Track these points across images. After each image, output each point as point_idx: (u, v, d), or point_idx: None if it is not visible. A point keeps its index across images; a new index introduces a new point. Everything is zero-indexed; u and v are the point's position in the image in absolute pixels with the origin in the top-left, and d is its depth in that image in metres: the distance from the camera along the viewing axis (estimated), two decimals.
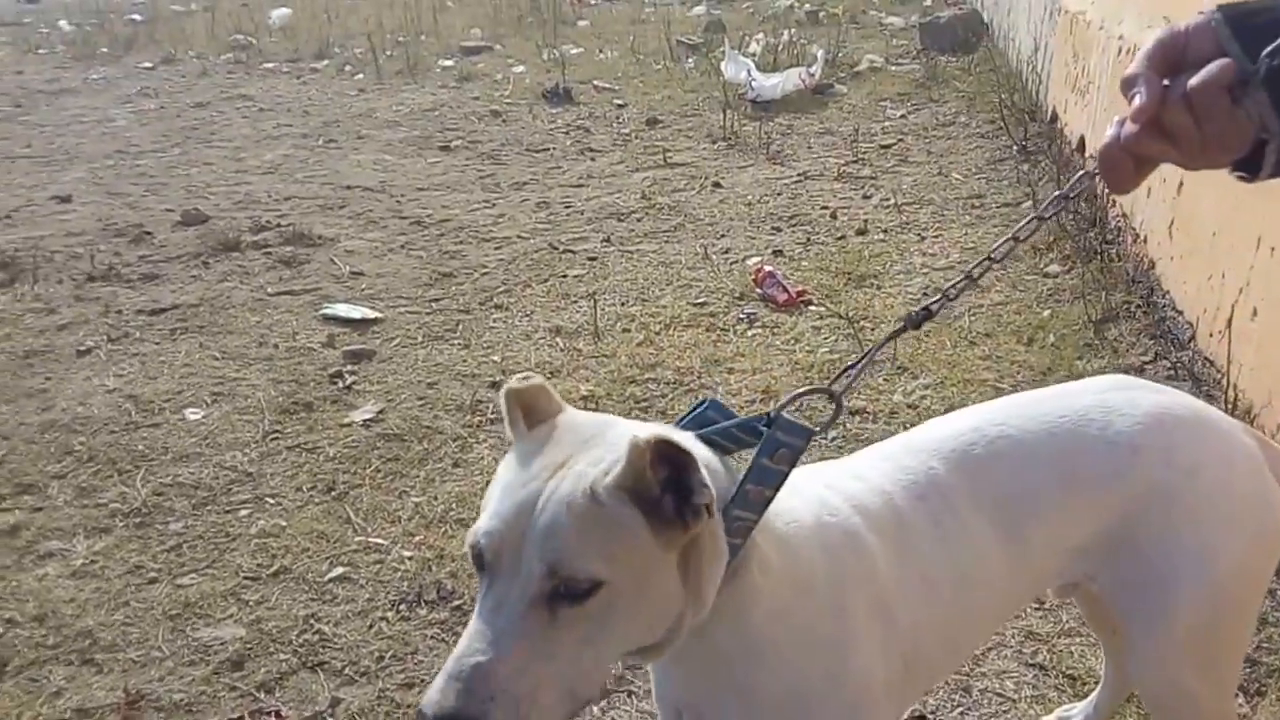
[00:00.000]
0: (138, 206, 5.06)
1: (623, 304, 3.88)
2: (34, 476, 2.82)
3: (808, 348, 3.48)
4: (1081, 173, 1.13)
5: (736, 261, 4.22)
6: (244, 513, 2.65)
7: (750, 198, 5.02)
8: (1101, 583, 1.42)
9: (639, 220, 4.78)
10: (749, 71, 6.80)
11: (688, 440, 1.06)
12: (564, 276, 4.16)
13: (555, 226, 4.74)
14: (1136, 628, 1.43)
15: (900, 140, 5.78)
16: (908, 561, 1.26)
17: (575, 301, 3.90)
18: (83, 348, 3.59)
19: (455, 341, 3.62)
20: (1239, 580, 1.38)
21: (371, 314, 3.82)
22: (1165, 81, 0.88)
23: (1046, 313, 3.58)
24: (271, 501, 2.69)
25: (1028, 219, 1.29)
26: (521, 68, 8.29)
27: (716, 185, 5.22)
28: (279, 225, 4.70)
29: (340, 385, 3.31)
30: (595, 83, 7.56)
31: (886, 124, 6.19)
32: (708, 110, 6.66)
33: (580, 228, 4.70)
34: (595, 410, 2.87)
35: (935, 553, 1.29)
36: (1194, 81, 0.84)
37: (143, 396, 3.24)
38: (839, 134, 6.03)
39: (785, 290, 3.87)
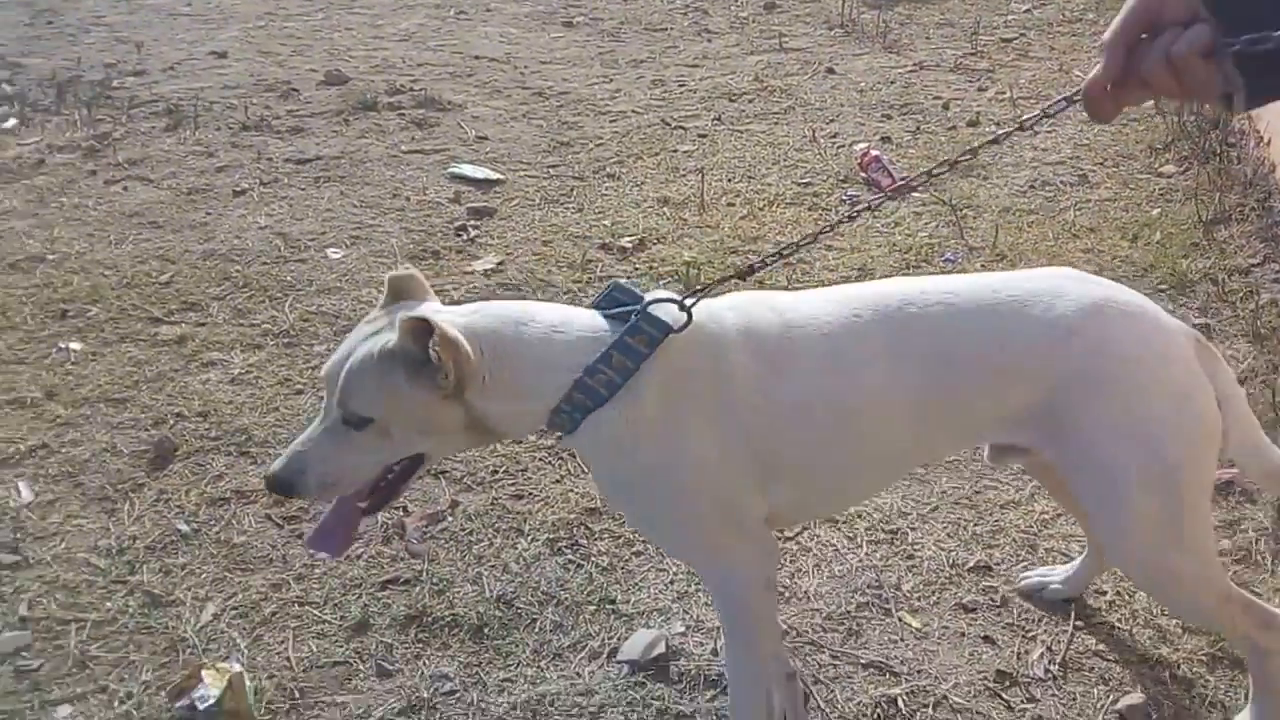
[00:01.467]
0: (285, 65, 5.36)
1: (729, 180, 4.03)
2: (198, 296, 3.18)
3: (907, 232, 3.60)
4: (1063, 97, 1.30)
5: (843, 146, 4.30)
6: None
7: (863, 85, 5.05)
8: (1051, 457, 1.55)
9: (750, 102, 4.88)
10: None
11: (441, 317, 1.40)
12: (674, 151, 4.32)
13: (669, 104, 4.87)
14: (1095, 513, 1.58)
15: (1022, 35, 5.68)
16: (783, 384, 1.49)
17: (684, 175, 4.07)
18: (238, 189, 3.93)
19: (569, 205, 3.85)
20: (1181, 465, 1.47)
21: (494, 175, 4.07)
22: (1144, 35, 1.01)
23: (1156, 211, 3.62)
24: None
25: (1034, 115, 1.50)
26: None
27: (830, 71, 5.25)
28: (412, 89, 4.94)
29: (464, 237, 3.59)
30: None
31: (1010, 18, 6.05)
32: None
33: (693, 106, 4.83)
34: (696, 274, 3.14)
35: (822, 384, 1.49)
36: (1178, 47, 0.98)
37: (290, 234, 3.57)
38: (959, 26, 5.93)
39: (890, 175, 3.95)
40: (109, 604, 2.06)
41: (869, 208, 1.70)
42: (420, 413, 1.42)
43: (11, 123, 4.53)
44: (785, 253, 1.62)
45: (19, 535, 2.22)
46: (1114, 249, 3.40)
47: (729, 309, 1.54)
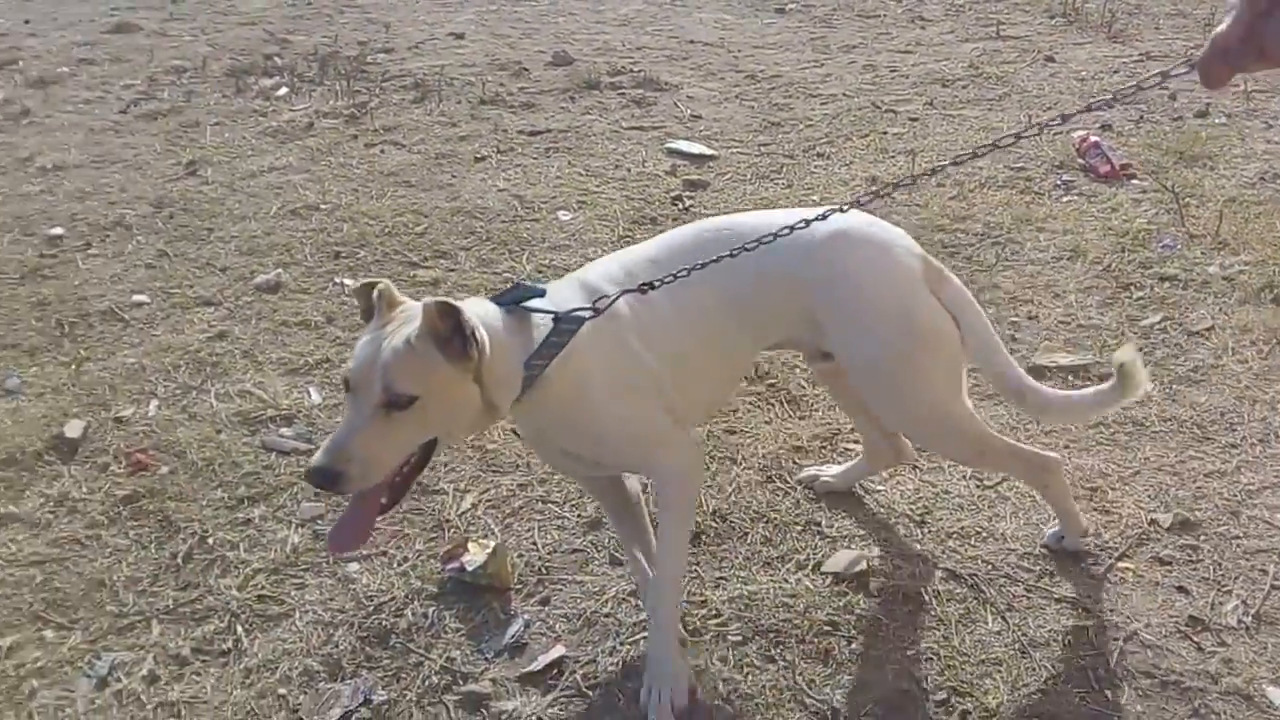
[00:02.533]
0: (516, 46, 5.79)
1: (940, 161, 4.11)
2: (447, 246, 3.57)
3: (1124, 217, 3.60)
4: (1181, 62, 1.39)
5: (1060, 133, 4.29)
6: None
7: (1083, 74, 5.01)
8: (825, 347, 1.92)
9: (964, 88, 4.92)
10: None
11: (462, 303, 1.59)
12: (884, 133, 4.44)
13: (879, 88, 4.99)
14: (857, 385, 1.96)
15: None
16: (656, 311, 1.81)
17: (893, 156, 4.19)
18: (478, 155, 4.32)
19: (779, 181, 4.04)
20: (908, 353, 1.85)
21: (708, 151, 4.30)
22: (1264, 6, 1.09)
23: None
24: None
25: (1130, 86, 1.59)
26: None
27: (1049, 60, 5.22)
28: (631, 71, 5.26)
29: (680, 207, 3.83)
30: None
31: None
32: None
33: (904, 91, 4.92)
34: None
35: (677, 321, 1.83)
36: None
37: (525, 197, 3.92)
38: (1193, 17, 5.77)
39: (1109, 162, 3.94)
40: None
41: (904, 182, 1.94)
42: (452, 388, 1.59)
43: (284, 91, 5.13)
44: (881, 193, 1.93)
45: (311, 429, 2.62)
46: None
47: (593, 276, 1.85)
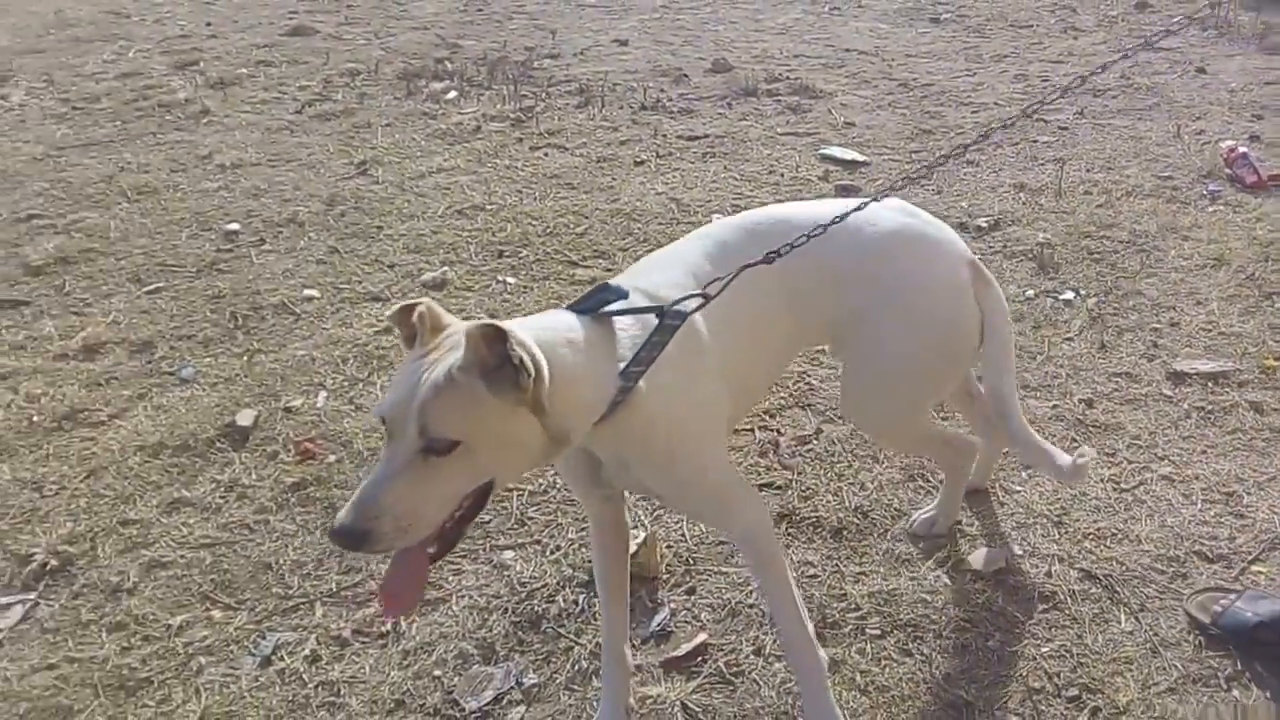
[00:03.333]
0: (677, 54, 5.96)
1: (1088, 170, 4.13)
2: (606, 246, 3.71)
3: (1270, 227, 3.57)
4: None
5: (1208, 143, 4.26)
6: None
7: (1234, 85, 4.91)
8: (839, 348, 1.89)
9: (1114, 98, 4.91)
10: None
11: (509, 325, 1.36)
12: (1034, 141, 4.45)
13: (1030, 97, 4.98)
14: (848, 376, 1.91)
15: None
16: (723, 325, 1.67)
17: (1042, 164, 4.21)
18: (638, 159, 4.49)
19: (929, 187, 4.07)
20: (922, 355, 1.84)
21: (860, 157, 4.39)
22: None
23: None
24: None
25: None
26: None
27: (1200, 71, 5.14)
28: (787, 78, 5.37)
29: None
30: None
31: None
32: None
33: (1055, 100, 4.96)
34: (1050, 253, 3.35)
35: (738, 314, 1.70)
36: None
37: (682, 200, 4.06)
38: None
39: (1256, 172, 3.91)
40: (541, 480, 2.50)
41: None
42: (503, 425, 1.37)
43: (453, 94, 5.36)
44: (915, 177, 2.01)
45: None
46: None
47: (668, 286, 1.68)
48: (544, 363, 1.39)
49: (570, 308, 1.58)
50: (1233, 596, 2.02)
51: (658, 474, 1.63)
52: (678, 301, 1.59)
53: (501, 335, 1.35)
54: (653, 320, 1.56)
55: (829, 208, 1.84)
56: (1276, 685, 1.89)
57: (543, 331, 1.46)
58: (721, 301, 1.64)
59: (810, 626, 1.78)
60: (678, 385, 1.59)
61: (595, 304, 1.57)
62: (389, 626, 2.09)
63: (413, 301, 1.45)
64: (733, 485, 1.75)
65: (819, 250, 1.74)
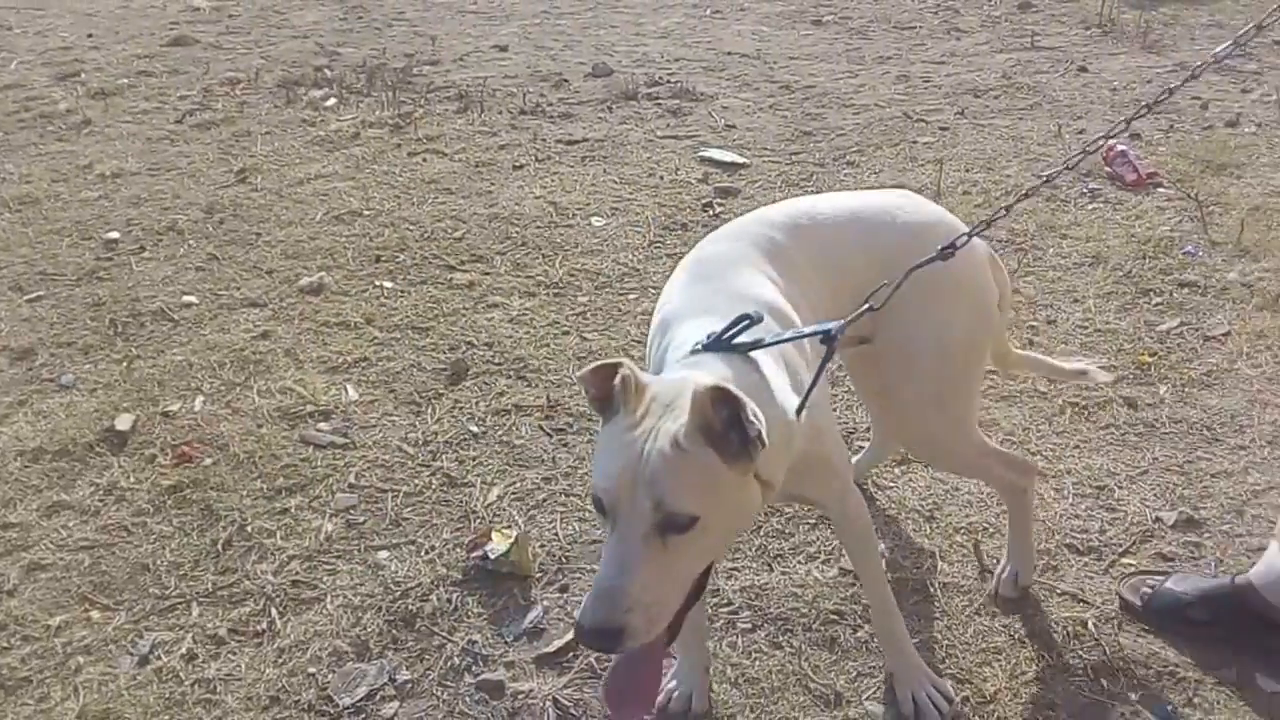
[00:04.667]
0: (558, 58, 5.92)
1: (967, 170, 4.18)
2: (484, 251, 3.69)
3: (1148, 225, 3.63)
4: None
5: (1090, 142, 4.33)
6: (632, 296, 3.35)
7: (1116, 84, 5.03)
8: (878, 341, 1.82)
9: (995, 98, 4.97)
10: None
11: (736, 389, 1.26)
12: (914, 143, 4.50)
13: (911, 98, 5.05)
14: (892, 381, 1.87)
15: None
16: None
17: (922, 165, 4.25)
18: (517, 164, 4.45)
19: (809, 188, 4.11)
20: (962, 348, 1.82)
21: (740, 160, 4.39)
22: None
23: None
24: (653, 290, 3.36)
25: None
26: None
27: (1082, 70, 5.25)
28: (668, 81, 5.37)
29: (710, 213, 3.93)
30: None
31: None
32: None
33: (935, 101, 4.98)
34: None
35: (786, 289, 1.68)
36: None
37: (560, 204, 4.03)
38: (1229, 28, 5.74)
39: (1135, 170, 3.97)
40: (417, 481, 2.53)
41: None
42: (736, 495, 1.29)
43: (332, 101, 5.30)
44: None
45: (348, 424, 2.75)
46: None
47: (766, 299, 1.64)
48: (766, 428, 1.26)
49: (710, 345, 1.45)
50: (1160, 578, 2.05)
51: (820, 485, 1.65)
52: (846, 325, 1.51)
53: (733, 400, 1.24)
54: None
55: (854, 198, 1.88)
56: (1209, 662, 1.93)
57: (748, 387, 1.33)
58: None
59: (892, 602, 1.86)
60: (817, 401, 1.52)
61: (730, 342, 1.44)
62: (264, 626, 2.13)
63: (612, 362, 1.32)
64: (849, 466, 1.78)
65: (866, 241, 1.77)
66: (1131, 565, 2.17)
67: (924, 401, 1.84)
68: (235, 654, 2.07)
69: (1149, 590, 2.03)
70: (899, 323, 1.76)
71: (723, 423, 1.25)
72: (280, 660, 2.05)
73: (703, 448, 1.25)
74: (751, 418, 1.23)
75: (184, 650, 2.08)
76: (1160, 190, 3.89)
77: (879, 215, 1.83)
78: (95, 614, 2.18)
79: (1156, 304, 3.15)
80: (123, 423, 2.76)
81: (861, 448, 2.52)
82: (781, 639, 2.03)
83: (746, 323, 1.44)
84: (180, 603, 2.20)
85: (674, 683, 1.91)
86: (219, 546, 2.34)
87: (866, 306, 1.57)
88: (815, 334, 1.50)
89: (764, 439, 1.24)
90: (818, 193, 4.11)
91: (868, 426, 2.56)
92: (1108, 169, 4.04)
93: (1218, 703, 1.85)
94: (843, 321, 1.52)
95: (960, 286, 1.80)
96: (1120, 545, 2.22)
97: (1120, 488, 2.40)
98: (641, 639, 1.23)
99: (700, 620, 1.92)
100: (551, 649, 2.04)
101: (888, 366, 1.87)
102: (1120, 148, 4.07)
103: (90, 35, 6.79)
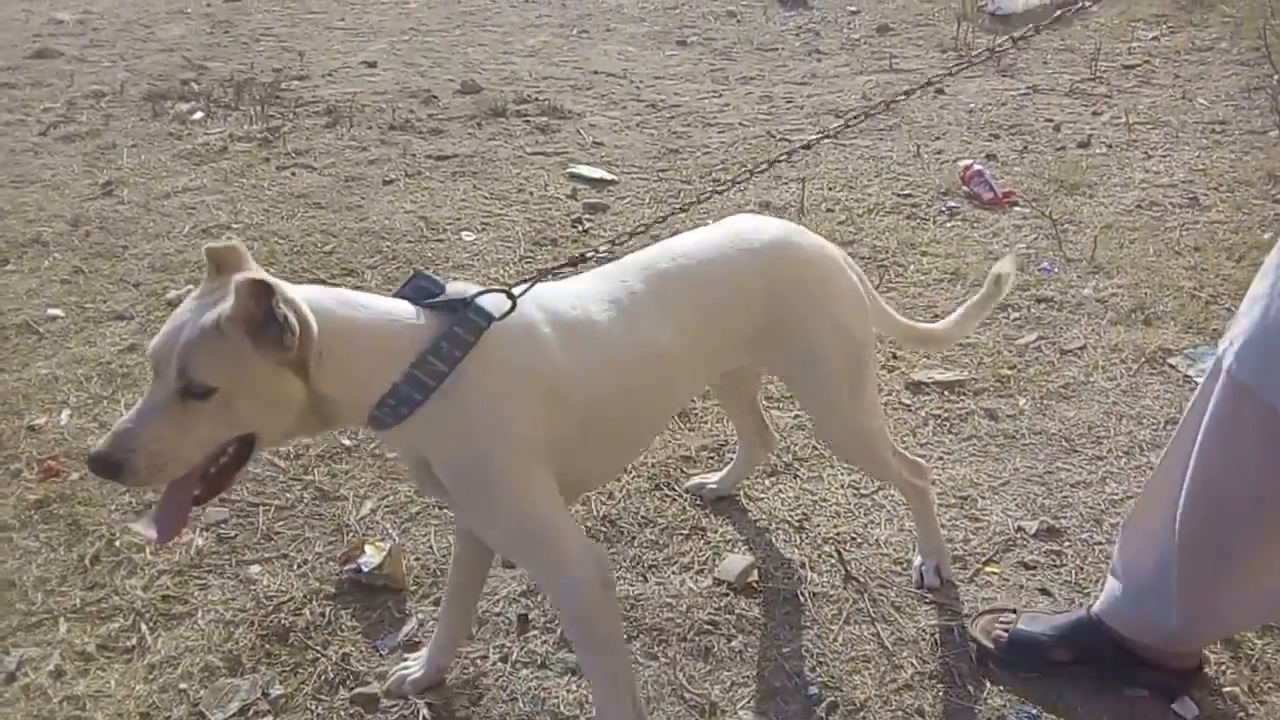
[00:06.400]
0: (426, 75, 5.92)
1: (830, 189, 4.28)
2: (355, 264, 3.68)
3: (1005, 242, 3.76)
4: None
5: (947, 162, 4.47)
6: None
7: (972, 105, 5.21)
8: (768, 365, 1.98)
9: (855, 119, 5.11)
10: None
11: (278, 282, 1.37)
12: (778, 161, 4.58)
13: (775, 118, 5.19)
14: (808, 396, 2.00)
15: (1146, 62, 5.70)
16: (591, 350, 1.62)
17: (786, 183, 4.35)
18: (387, 179, 4.43)
19: (675, 205, 4.13)
20: (862, 340, 1.92)
21: (608, 176, 4.46)
22: None
23: (1268, 235, 3.59)
24: None
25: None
26: None
27: (939, 92, 5.40)
28: (537, 99, 5.42)
29: (580, 229, 3.96)
30: None
31: (1134, 45, 6.06)
32: (943, 21, 6.78)
33: (798, 120, 5.12)
34: None
35: (622, 341, 1.66)
36: None
37: (431, 219, 4.03)
38: (1080, 52, 5.94)
39: (992, 190, 4.10)
40: (288, 494, 2.52)
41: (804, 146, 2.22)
42: (263, 380, 1.39)
43: (199, 115, 5.20)
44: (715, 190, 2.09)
45: None
46: (1217, 267, 3.45)
47: (528, 300, 1.61)
48: (313, 325, 1.39)
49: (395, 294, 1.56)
50: (1009, 616, 2.04)
51: (460, 499, 1.58)
52: (479, 294, 1.54)
53: (269, 290, 1.34)
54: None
55: (699, 235, 1.86)
56: (1085, 705, 1.92)
57: (324, 298, 1.46)
58: (606, 331, 1.63)
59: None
60: (490, 403, 1.52)
61: (412, 293, 1.55)
62: (134, 641, 2.08)
63: (223, 243, 1.46)
64: (555, 528, 1.60)
65: (722, 273, 1.76)
66: (995, 574, 2.22)
67: (841, 396, 1.93)
68: (104, 670, 2.03)
69: (1002, 633, 2.00)
70: (792, 335, 1.85)
71: (265, 313, 1.35)
72: (151, 676, 2.01)
73: (238, 331, 1.35)
74: (279, 303, 1.34)
75: (52, 667, 2.03)
76: (1016, 209, 4.01)
77: (735, 243, 1.83)
78: None
79: (1015, 319, 3.25)
80: None
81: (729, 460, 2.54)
82: (656, 649, 2.04)
83: (420, 281, 1.56)
84: (47, 619, 2.16)
85: (413, 665, 1.97)
86: (87, 562, 2.30)
87: (502, 288, 1.58)
88: (499, 291, 1.56)
89: (293, 325, 1.35)
90: (684, 211, 4.14)
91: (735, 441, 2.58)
92: (965, 189, 4.17)
93: (1078, 705, 1.90)
94: (473, 294, 1.55)
95: (830, 281, 1.88)
96: (984, 554, 2.27)
97: (983, 498, 2.45)
98: (141, 480, 1.39)
99: (464, 628, 1.98)
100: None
101: (799, 378, 1.97)
102: (977, 168, 4.21)
103: None
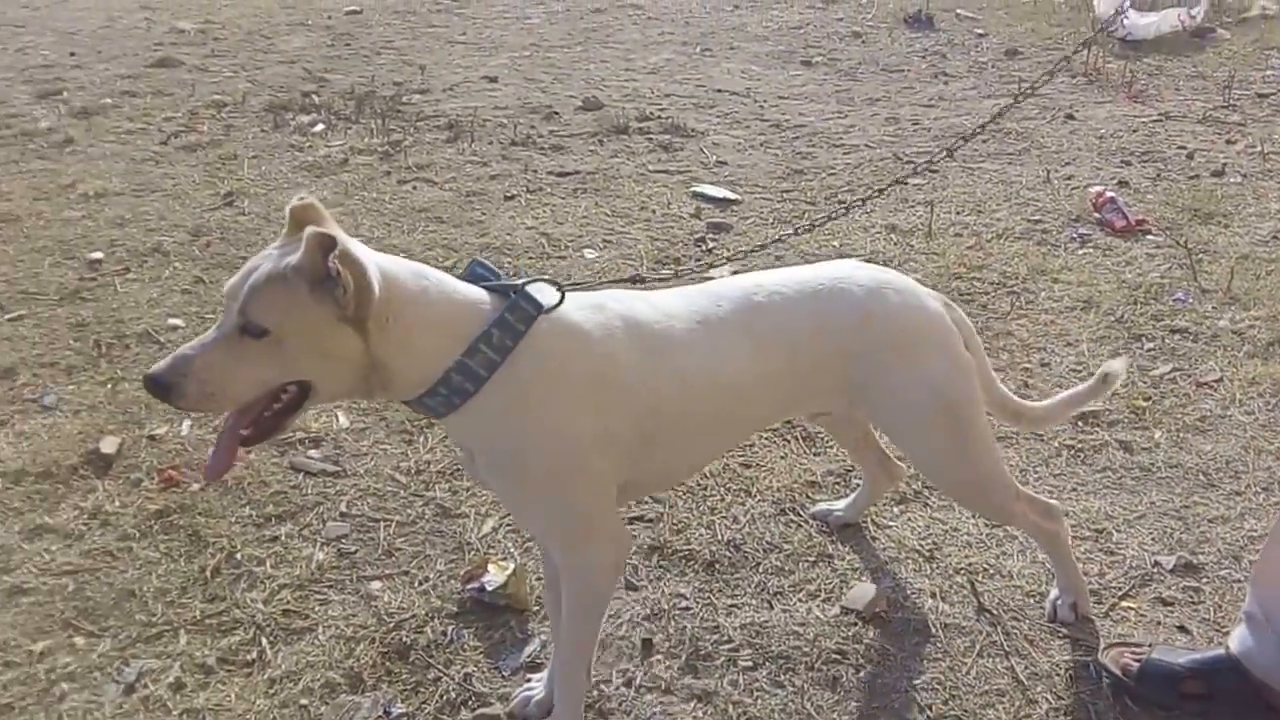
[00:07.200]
0: (548, 91, 5.93)
1: (958, 213, 4.20)
2: None
3: (1138, 271, 3.66)
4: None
5: (1078, 188, 4.38)
6: None
7: (1103, 131, 5.09)
8: (862, 414, 2.01)
9: (984, 142, 5.01)
10: (1123, 6, 6.60)
11: (346, 239, 1.43)
12: (904, 184, 4.51)
13: (901, 140, 5.09)
14: (908, 450, 2.00)
15: None
16: (662, 360, 1.64)
17: (913, 206, 4.27)
18: (508, 194, 4.43)
19: (800, 226, 4.11)
20: (958, 399, 1.85)
21: (732, 196, 4.40)
22: None
23: None
24: None
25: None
26: None
27: (1069, 117, 5.31)
28: (659, 117, 5.39)
29: (702, 248, 3.93)
30: (958, 11, 7.65)
31: (1269, 73, 5.93)
32: (1071, 46, 6.61)
33: (925, 143, 5.02)
34: None
35: (698, 360, 1.67)
36: None
37: (553, 235, 4.02)
38: (1212, 79, 5.86)
39: (1124, 216, 4.01)
40: (410, 510, 2.49)
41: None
42: (317, 330, 1.43)
43: (320, 127, 5.27)
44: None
45: (339, 451, 2.70)
46: None
47: (610, 299, 1.67)
48: (374, 288, 1.43)
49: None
50: (1146, 648, 1.99)
51: (497, 484, 1.64)
52: (528, 282, 1.57)
53: (332, 244, 1.39)
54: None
55: (799, 273, 1.85)
56: None
57: (399, 268, 1.52)
58: (679, 346, 1.65)
59: (582, 687, 1.82)
60: (536, 398, 1.55)
61: (470, 276, 1.62)
62: (254, 655, 2.08)
63: (302, 200, 1.52)
64: (587, 521, 1.67)
65: (811, 314, 1.76)
66: (1131, 609, 2.16)
67: (946, 457, 1.92)
68: (224, 684, 2.01)
69: (1132, 662, 1.96)
70: (884, 391, 1.84)
71: (327, 269, 1.40)
72: (271, 691, 1.99)
73: (299, 279, 1.41)
74: (334, 259, 1.39)
75: (171, 679, 2.02)
76: (1149, 237, 3.93)
77: (831, 288, 1.81)
78: (79, 640, 2.12)
79: (1149, 349, 3.16)
80: (108, 445, 2.70)
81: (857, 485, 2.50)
82: (783, 678, 2.00)
83: (476, 268, 1.65)
84: (167, 630, 2.14)
85: (537, 687, 1.95)
86: (207, 574, 2.29)
87: (551, 280, 1.62)
88: (505, 286, 1.60)
89: (346, 281, 1.39)
90: (809, 230, 4.14)
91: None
92: (1096, 215, 4.08)
93: None
94: (524, 281, 1.60)
95: (925, 338, 1.84)
96: (1120, 589, 2.21)
97: (1118, 531, 2.39)
98: (190, 404, 1.45)
99: (589, 652, 1.85)
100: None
101: (894, 433, 1.99)
102: (1109, 194, 4.13)
103: (72, 54, 6.73)
